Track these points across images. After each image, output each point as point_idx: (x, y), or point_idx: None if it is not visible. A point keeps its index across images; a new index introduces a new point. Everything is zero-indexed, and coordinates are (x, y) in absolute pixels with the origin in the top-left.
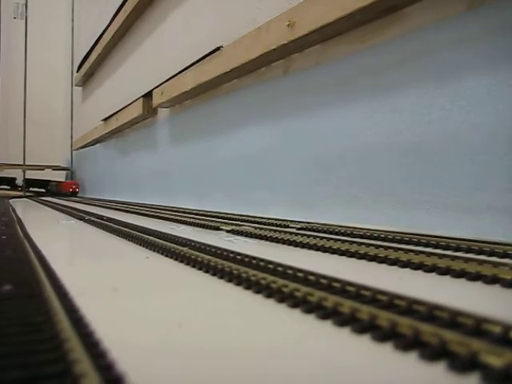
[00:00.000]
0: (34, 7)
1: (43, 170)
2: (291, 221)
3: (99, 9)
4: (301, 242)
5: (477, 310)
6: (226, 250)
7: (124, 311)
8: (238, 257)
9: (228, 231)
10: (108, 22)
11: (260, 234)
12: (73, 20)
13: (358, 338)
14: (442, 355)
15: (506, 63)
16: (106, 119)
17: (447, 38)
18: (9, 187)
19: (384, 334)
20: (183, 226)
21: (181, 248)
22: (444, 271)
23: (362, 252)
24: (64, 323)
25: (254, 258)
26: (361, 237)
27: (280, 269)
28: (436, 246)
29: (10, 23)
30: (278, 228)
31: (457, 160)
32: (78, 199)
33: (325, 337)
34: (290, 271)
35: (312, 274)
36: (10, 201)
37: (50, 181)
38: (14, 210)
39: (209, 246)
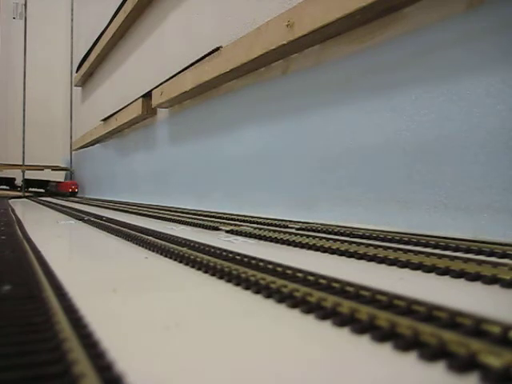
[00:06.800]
0: (34, 7)
1: (42, 170)
2: (290, 221)
3: (99, 9)
4: (300, 242)
5: (476, 311)
6: (225, 250)
7: (123, 311)
8: (238, 257)
9: (227, 231)
10: (107, 22)
11: (259, 235)
12: (72, 20)
13: (358, 338)
14: (442, 355)
15: (506, 63)
16: (105, 119)
17: (447, 38)
18: (8, 187)
19: (383, 335)
20: (182, 226)
21: (180, 248)
22: (443, 271)
23: (361, 252)
24: (63, 323)
25: (254, 258)
26: (360, 237)
27: (279, 269)
28: (435, 247)
29: (10, 23)
30: (278, 228)
31: (456, 160)
32: (77, 199)
33: (324, 337)
34: (289, 271)
35: (311, 274)
36: (10, 201)
37: (49, 181)
38: (13, 210)
39: (208, 246)
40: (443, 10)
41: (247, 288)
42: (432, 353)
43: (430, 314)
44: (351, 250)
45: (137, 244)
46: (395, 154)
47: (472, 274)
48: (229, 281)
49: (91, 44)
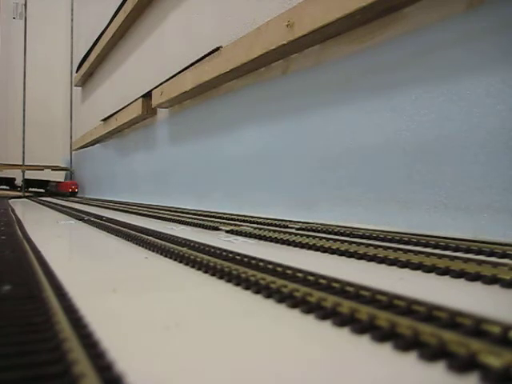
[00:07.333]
0: (34, 7)
1: (42, 170)
2: (290, 221)
3: (99, 9)
4: (300, 242)
5: (476, 311)
6: (225, 250)
7: (123, 311)
8: (238, 257)
9: (227, 231)
10: (107, 22)
11: (259, 235)
12: (72, 20)
13: (358, 338)
14: (442, 355)
15: (506, 63)
16: (105, 119)
17: (447, 38)
18: (8, 187)
19: (383, 335)
20: (182, 226)
21: (180, 248)
22: (443, 271)
23: (361, 252)
24: (63, 323)
25: (254, 259)
26: (360, 237)
27: (279, 269)
28: (435, 247)
29: (10, 23)
30: (278, 228)
31: (456, 160)
32: (77, 199)
33: (324, 337)
34: (289, 271)
35: (311, 274)
36: (10, 201)
37: (49, 181)
38: (13, 210)
39: (208, 246)
40: (443, 9)
41: (247, 288)
42: (432, 353)
43: (430, 313)
44: (351, 250)
45: (137, 244)
46: (395, 154)
47: (472, 274)
48: (229, 281)
49: (91, 44)
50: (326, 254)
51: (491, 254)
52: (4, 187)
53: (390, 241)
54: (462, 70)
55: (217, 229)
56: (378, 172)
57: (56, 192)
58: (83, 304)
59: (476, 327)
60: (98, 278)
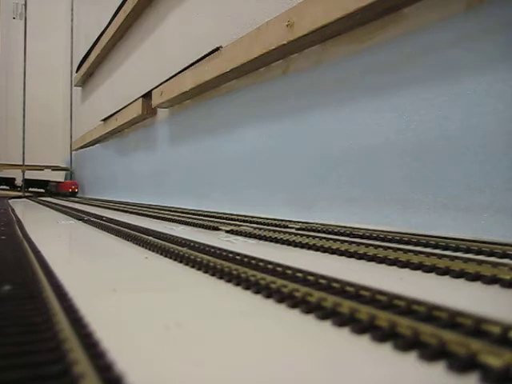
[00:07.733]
0: (33, 7)
1: (42, 170)
2: (290, 221)
3: (98, 9)
4: (300, 242)
5: (476, 311)
6: (225, 250)
7: (123, 311)
8: (238, 257)
9: (227, 231)
10: (107, 22)
11: (259, 235)
12: (72, 20)
13: (358, 338)
14: (442, 355)
15: (506, 63)
16: (105, 119)
17: (447, 38)
18: (8, 187)
19: (383, 335)
20: (182, 226)
21: (180, 248)
22: (443, 271)
23: (361, 252)
24: (63, 324)
25: (254, 259)
26: (360, 237)
27: (279, 269)
28: (435, 247)
29: (10, 23)
30: (278, 228)
31: (456, 160)
32: (77, 199)
33: (324, 337)
34: (289, 271)
35: (311, 274)
36: (10, 201)
37: (49, 181)
38: (13, 210)
39: (208, 246)
40: (443, 10)
41: (247, 288)
42: (432, 353)
43: (430, 314)
44: (351, 250)
45: (137, 244)
46: (395, 153)
47: (472, 274)
48: (229, 281)
49: (91, 44)
50: (326, 254)
51: (491, 254)
52: (4, 187)
53: (390, 241)
54: (462, 70)
55: (217, 229)
56: (378, 172)
57: (56, 192)
58: (83, 304)
59: (476, 327)
60: (98, 278)
